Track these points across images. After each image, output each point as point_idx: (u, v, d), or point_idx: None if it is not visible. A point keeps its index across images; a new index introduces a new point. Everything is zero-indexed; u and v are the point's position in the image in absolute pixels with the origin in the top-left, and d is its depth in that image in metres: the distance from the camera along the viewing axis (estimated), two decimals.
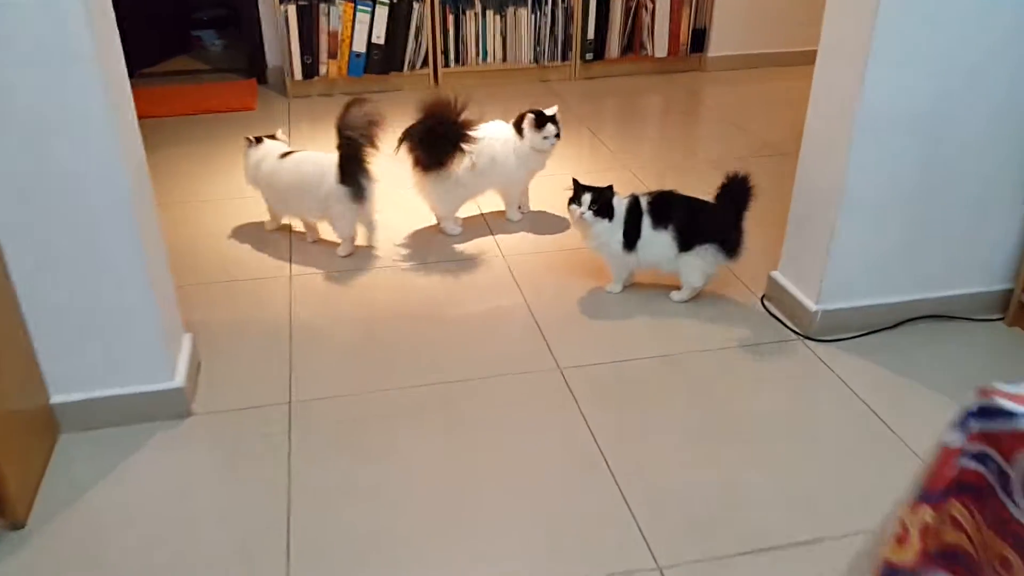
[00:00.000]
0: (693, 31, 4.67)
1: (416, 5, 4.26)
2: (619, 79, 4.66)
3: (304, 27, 4.19)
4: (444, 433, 1.90)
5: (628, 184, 3.17)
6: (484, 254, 2.72)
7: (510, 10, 4.42)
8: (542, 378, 2.08)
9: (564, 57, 4.59)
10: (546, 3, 4.43)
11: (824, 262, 2.12)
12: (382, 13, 4.22)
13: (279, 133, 2.82)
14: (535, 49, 4.54)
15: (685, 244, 2.29)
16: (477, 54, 4.48)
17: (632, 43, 4.67)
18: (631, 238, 2.32)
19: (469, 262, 2.67)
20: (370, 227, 2.75)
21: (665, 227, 2.29)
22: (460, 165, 2.66)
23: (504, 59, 4.53)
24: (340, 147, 2.54)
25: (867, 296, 2.20)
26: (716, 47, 4.73)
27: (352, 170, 2.54)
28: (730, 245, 2.29)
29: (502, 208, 2.98)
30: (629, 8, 4.55)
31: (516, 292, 2.48)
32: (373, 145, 2.55)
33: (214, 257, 2.70)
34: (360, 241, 2.77)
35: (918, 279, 2.21)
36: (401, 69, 4.39)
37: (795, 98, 4.30)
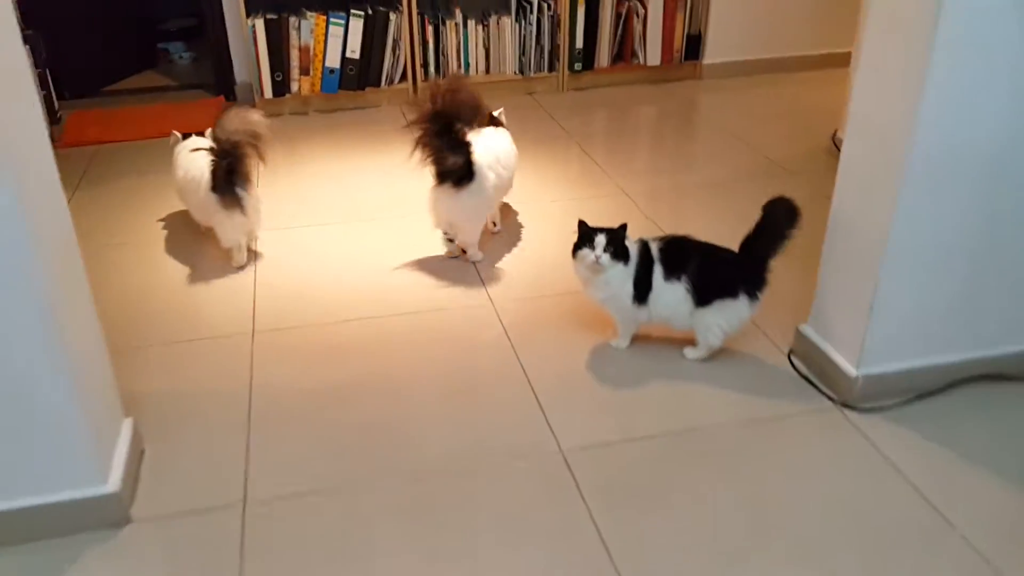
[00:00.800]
0: (688, 37, 4.39)
1: (393, 16, 3.96)
2: (610, 89, 4.38)
3: (273, 42, 3.89)
4: (425, 539, 1.61)
5: (625, 210, 2.87)
6: (471, 301, 2.42)
7: (493, 19, 4.13)
8: (540, 465, 1.79)
9: (551, 67, 4.30)
10: (531, 11, 4.14)
11: (866, 320, 1.83)
12: (356, 26, 3.92)
13: (209, 132, 2.74)
14: (520, 60, 4.25)
15: (702, 299, 2.00)
16: (459, 66, 4.19)
17: (623, 51, 4.39)
18: (641, 289, 2.03)
19: (455, 311, 2.37)
20: (248, 237, 2.67)
21: (679, 278, 2.00)
22: (487, 179, 2.46)
23: (487, 71, 4.24)
24: (213, 153, 2.48)
25: (914, 357, 1.92)
26: (712, 54, 4.46)
27: (222, 178, 2.46)
28: (753, 287, 2.01)
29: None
30: (620, 14, 4.26)
31: (508, 349, 2.18)
32: (259, 156, 2.51)
33: (165, 311, 2.39)
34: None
35: (973, 336, 1.93)
36: (378, 84, 4.09)
37: (799, 108, 4.05)
